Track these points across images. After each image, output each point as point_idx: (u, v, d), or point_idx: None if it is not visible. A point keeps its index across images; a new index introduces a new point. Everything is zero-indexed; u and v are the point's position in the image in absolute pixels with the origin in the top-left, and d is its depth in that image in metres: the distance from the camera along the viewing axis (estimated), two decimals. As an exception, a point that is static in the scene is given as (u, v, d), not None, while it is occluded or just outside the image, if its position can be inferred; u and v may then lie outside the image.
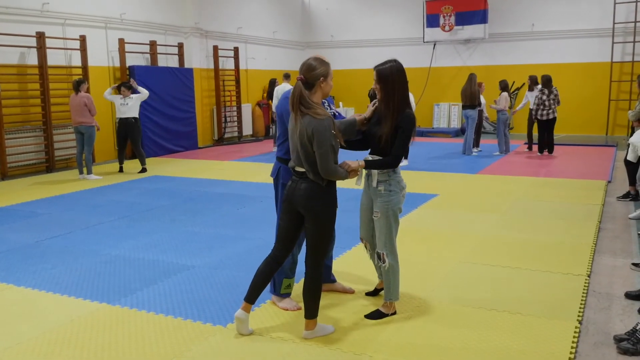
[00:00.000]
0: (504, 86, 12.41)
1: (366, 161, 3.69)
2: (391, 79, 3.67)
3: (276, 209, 4.17)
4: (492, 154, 12.36)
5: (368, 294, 4.32)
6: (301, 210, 3.52)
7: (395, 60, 3.72)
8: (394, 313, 3.93)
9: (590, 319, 3.91)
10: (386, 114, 3.68)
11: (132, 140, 10.49)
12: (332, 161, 3.38)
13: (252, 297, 3.66)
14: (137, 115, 10.48)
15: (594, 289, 4.46)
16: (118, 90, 10.57)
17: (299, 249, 4.04)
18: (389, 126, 3.65)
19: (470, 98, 12.06)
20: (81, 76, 11.37)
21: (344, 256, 5.29)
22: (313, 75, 3.44)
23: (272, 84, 14.48)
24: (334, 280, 4.39)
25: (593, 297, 4.29)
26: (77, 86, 9.71)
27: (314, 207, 3.47)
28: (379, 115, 3.76)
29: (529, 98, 12.66)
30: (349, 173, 3.54)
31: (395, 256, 3.85)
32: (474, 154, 12.42)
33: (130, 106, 10.34)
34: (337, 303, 4.17)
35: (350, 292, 4.36)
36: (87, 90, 9.92)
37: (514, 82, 15.90)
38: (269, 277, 3.69)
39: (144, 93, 10.62)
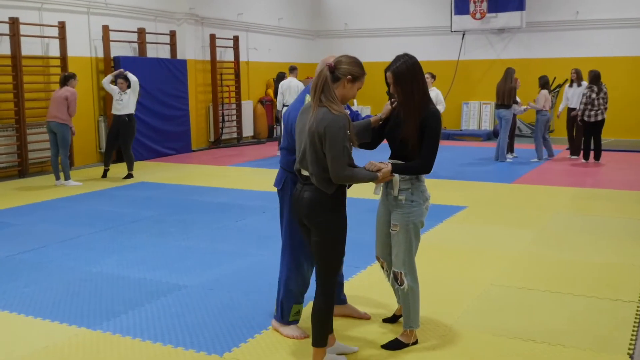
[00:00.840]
0: (544, 83, 12.38)
1: (393, 164, 3.68)
2: (410, 78, 3.67)
3: (281, 227, 4.14)
4: (529, 160, 12.34)
5: (385, 320, 4.31)
6: (305, 221, 3.53)
7: (406, 55, 3.74)
8: (415, 342, 3.93)
9: (643, 352, 3.89)
10: (407, 116, 3.68)
11: (122, 141, 10.58)
12: (345, 165, 3.37)
13: (324, 341, 3.60)
14: (132, 112, 10.57)
15: (647, 318, 4.43)
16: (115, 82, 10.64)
17: (311, 269, 4.03)
18: (413, 127, 3.66)
19: (503, 96, 12.05)
20: (60, 68, 11.47)
21: (357, 276, 5.29)
22: (344, 69, 3.47)
23: (281, 79, 14.49)
24: (344, 301, 4.40)
25: (646, 327, 4.27)
26: (64, 81, 9.79)
27: (319, 218, 3.47)
28: (399, 118, 3.76)
29: (568, 95, 12.58)
30: (378, 174, 3.55)
31: (415, 277, 3.85)
32: (508, 160, 12.40)
33: (124, 102, 10.44)
34: (350, 330, 4.17)
35: (365, 318, 4.36)
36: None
37: (554, 78, 15.86)
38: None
39: (134, 81, 10.61)
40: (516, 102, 12.26)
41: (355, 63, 3.51)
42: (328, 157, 3.34)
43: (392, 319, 4.30)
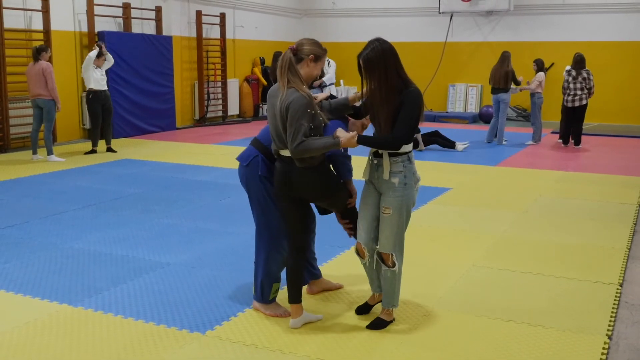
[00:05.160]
0: (540, 65, 12.42)
1: (359, 136, 3.62)
2: (379, 64, 3.56)
3: (252, 208, 4.11)
4: (524, 143, 12.39)
5: (360, 312, 4.13)
6: (305, 196, 3.85)
7: (377, 40, 3.65)
8: (393, 319, 3.99)
9: (622, 333, 3.94)
10: (380, 103, 3.61)
11: (108, 115, 10.77)
12: (299, 141, 3.57)
13: (299, 296, 3.92)
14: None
15: (627, 300, 4.49)
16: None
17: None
18: (388, 113, 3.60)
19: (501, 80, 12.08)
20: (42, 42, 11.31)
21: (342, 256, 5.30)
22: (306, 49, 3.74)
23: (277, 57, 14.35)
24: (318, 275, 4.46)
25: (625, 309, 4.32)
26: (36, 54, 9.69)
27: (318, 195, 3.84)
28: (374, 106, 3.71)
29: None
30: (339, 139, 3.58)
31: (402, 258, 3.87)
32: (504, 143, 12.42)
33: (104, 76, 10.69)
34: (331, 312, 4.19)
35: (339, 287, 4.54)
36: (50, 60, 9.87)
37: (552, 63, 15.87)
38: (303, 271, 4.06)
39: (110, 61, 10.92)
40: (517, 83, 12.31)
41: (316, 43, 3.80)
42: (287, 133, 3.59)
43: (365, 309, 4.13)
